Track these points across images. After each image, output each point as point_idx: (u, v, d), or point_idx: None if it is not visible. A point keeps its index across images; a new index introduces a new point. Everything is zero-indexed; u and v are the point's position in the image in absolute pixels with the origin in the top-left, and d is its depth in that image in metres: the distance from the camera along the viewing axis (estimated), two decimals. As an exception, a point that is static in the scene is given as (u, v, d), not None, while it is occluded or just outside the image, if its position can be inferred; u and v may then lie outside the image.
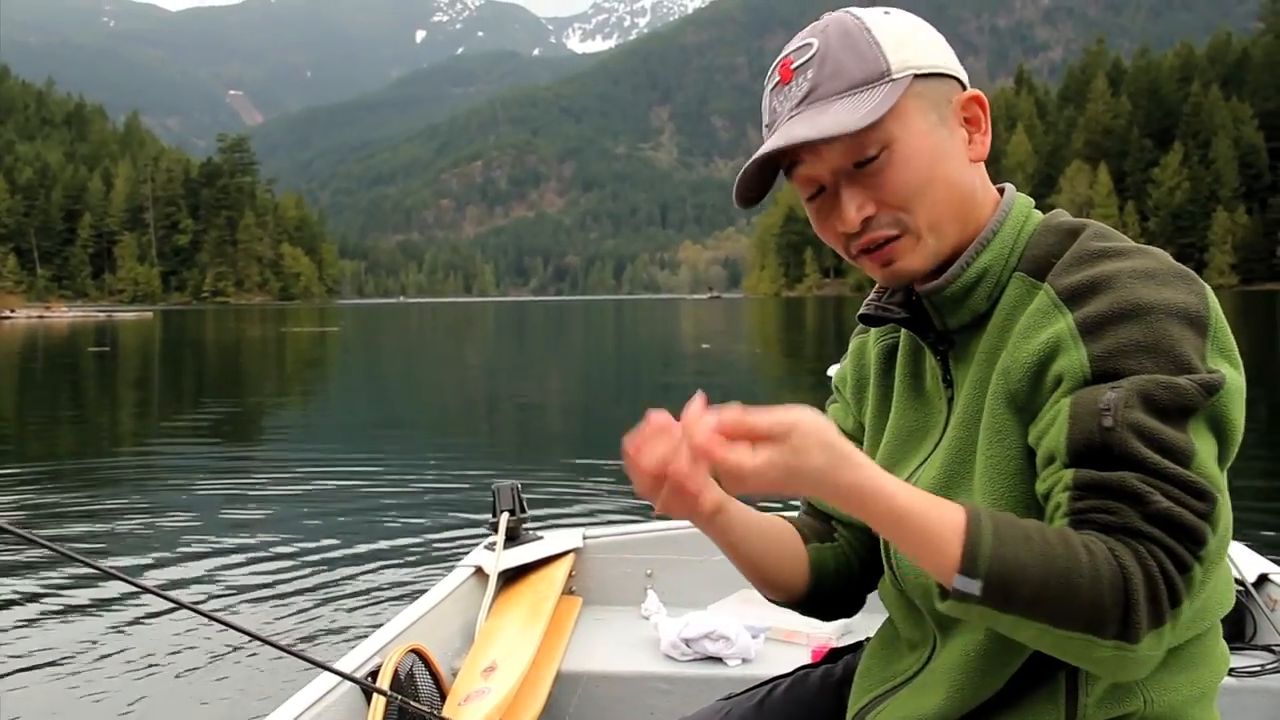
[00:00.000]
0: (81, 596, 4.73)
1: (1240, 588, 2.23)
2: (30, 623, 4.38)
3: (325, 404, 15.09)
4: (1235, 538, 2.54)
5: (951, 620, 1.08)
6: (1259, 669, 2.09)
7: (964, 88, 1.12)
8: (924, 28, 1.11)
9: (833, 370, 1.41)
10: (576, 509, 6.35)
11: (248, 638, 3.98)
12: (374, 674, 1.85)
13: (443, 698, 2.02)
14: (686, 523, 2.56)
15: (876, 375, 1.27)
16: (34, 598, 4.73)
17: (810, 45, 1.09)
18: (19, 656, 3.98)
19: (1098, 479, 0.94)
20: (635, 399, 14.80)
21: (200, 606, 1.40)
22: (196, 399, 15.62)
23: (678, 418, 0.92)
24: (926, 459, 1.16)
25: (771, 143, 1.08)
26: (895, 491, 0.93)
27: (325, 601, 4.64)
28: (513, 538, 2.59)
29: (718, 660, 2.27)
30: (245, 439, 10.89)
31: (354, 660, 1.87)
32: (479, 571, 2.48)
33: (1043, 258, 1.07)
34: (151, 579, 4.98)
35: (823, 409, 1.25)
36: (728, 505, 1.14)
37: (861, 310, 1.21)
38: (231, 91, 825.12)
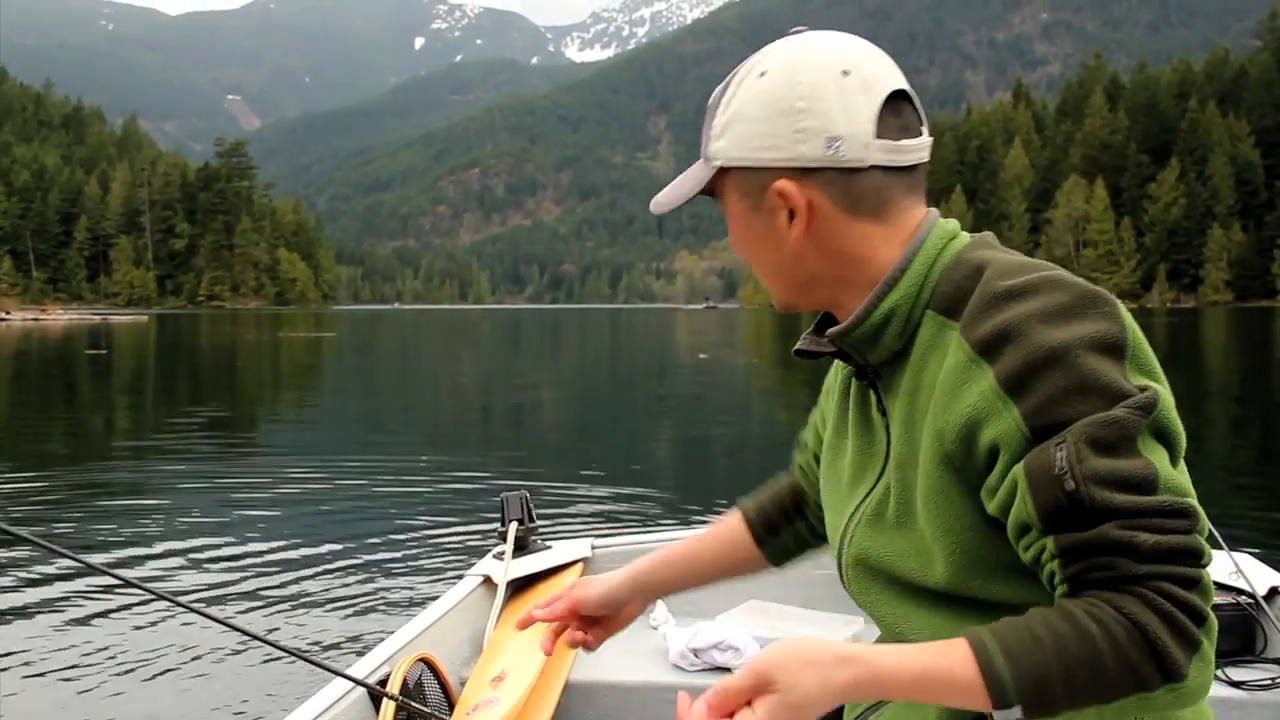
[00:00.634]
0: (92, 602, 4.74)
1: (1250, 600, 2.23)
2: (44, 629, 4.39)
3: (329, 411, 15.08)
4: (1244, 549, 2.44)
5: (925, 630, 1.09)
6: (1270, 682, 2.08)
7: (800, 172, 1.10)
8: (777, 103, 1.10)
9: None
10: (585, 518, 6.36)
11: (260, 644, 4.00)
12: (382, 682, 1.86)
13: (451, 707, 2.01)
14: (695, 532, 2.63)
15: (838, 397, 1.29)
16: (50, 604, 4.74)
17: (716, 94, 1.15)
18: (34, 662, 3.98)
19: (1080, 540, 0.94)
20: (637, 409, 14.83)
21: (209, 611, 1.40)
22: (201, 404, 15.61)
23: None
24: (872, 489, 1.18)
25: (655, 207, 1.19)
26: (899, 663, 0.94)
27: (333, 610, 4.65)
28: (521, 547, 2.59)
29: (726, 671, 2.23)
30: (252, 445, 10.88)
31: (363, 669, 1.88)
32: (487, 580, 2.48)
33: (953, 295, 1.07)
34: (161, 585, 4.98)
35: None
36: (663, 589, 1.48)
37: (797, 346, 1.24)
38: (229, 96, 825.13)
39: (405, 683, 1.84)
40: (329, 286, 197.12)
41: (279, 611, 4.63)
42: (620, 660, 2.34)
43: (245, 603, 4.75)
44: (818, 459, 1.38)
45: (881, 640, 1.21)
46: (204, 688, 3.75)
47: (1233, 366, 21.88)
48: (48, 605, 4.71)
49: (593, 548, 2.70)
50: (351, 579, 5.12)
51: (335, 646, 4.18)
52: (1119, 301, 1.03)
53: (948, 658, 0.93)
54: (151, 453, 9.93)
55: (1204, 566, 0.93)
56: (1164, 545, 0.92)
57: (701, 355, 27.74)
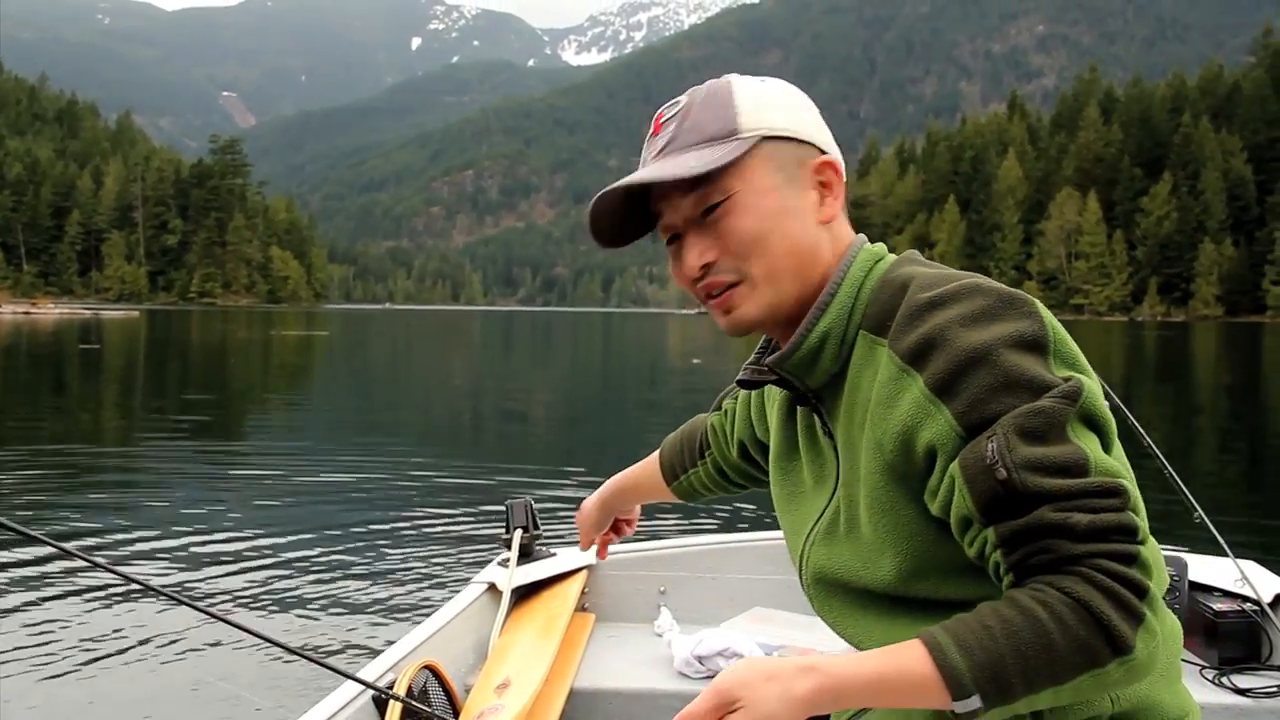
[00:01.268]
0: (98, 602, 4.74)
1: (1256, 608, 2.22)
2: (51, 629, 4.38)
3: (328, 413, 15.04)
4: (1249, 557, 2.45)
5: (884, 640, 1.08)
6: (1276, 689, 2.07)
7: (823, 153, 1.17)
8: (792, 95, 1.18)
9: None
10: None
11: (263, 648, 4.01)
12: (388, 689, 1.86)
13: (456, 714, 2.01)
14: (700, 539, 2.76)
15: (781, 421, 1.32)
16: (55, 602, 4.74)
17: (679, 103, 1.18)
18: (41, 662, 3.98)
19: (1018, 527, 0.97)
20: (636, 415, 14.83)
21: (213, 610, 1.41)
22: (199, 403, 15.55)
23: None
24: (825, 508, 1.21)
25: (619, 182, 1.14)
26: (857, 669, 0.96)
27: (338, 616, 4.64)
28: (526, 554, 2.59)
29: None
30: (253, 448, 10.82)
31: (368, 676, 1.88)
32: (492, 588, 2.48)
33: (880, 314, 1.10)
34: (164, 586, 4.97)
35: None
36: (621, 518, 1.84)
37: (739, 376, 1.27)
38: (225, 93, 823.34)
39: (410, 689, 1.85)
40: (321, 285, 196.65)
41: (282, 617, 4.61)
42: (625, 668, 2.35)
43: (248, 607, 4.74)
44: (732, 431, 1.55)
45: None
46: (209, 687, 3.76)
47: (1224, 382, 21.97)
48: (55, 605, 4.71)
49: (597, 555, 2.83)
50: (356, 585, 5.11)
51: (339, 653, 4.17)
52: (1038, 302, 1.06)
53: (904, 657, 0.95)
54: (156, 453, 9.89)
55: (1141, 543, 0.96)
56: (1099, 523, 0.95)
57: (695, 361, 27.77)
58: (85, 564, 5.36)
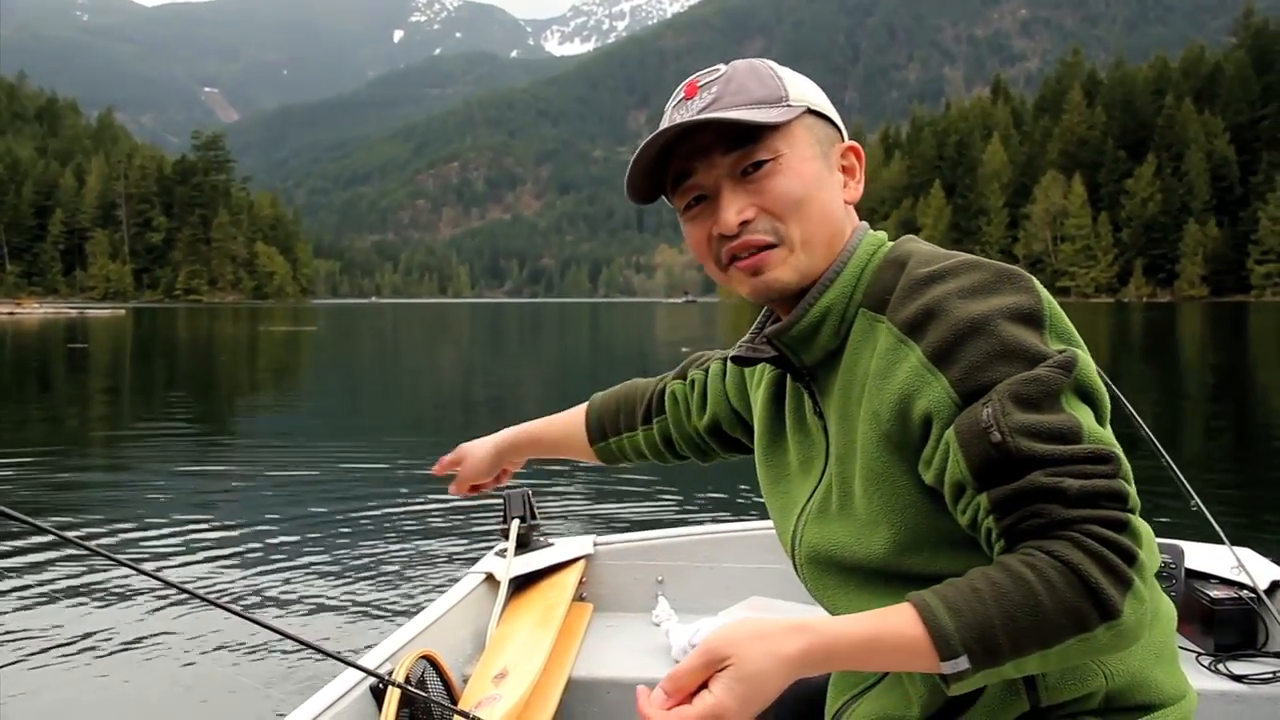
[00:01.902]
0: (100, 590, 4.75)
1: (1252, 594, 2.24)
2: (51, 617, 4.39)
3: (322, 406, 14.99)
4: (1246, 543, 2.46)
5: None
6: (1271, 676, 2.09)
7: (844, 140, 1.22)
8: (812, 89, 1.22)
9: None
10: (586, 515, 6.37)
11: (262, 636, 4.02)
12: (386, 676, 1.82)
13: (454, 704, 2.01)
14: (698, 528, 2.73)
15: (768, 403, 1.34)
16: (57, 592, 4.74)
17: (718, 69, 1.20)
18: (41, 650, 3.98)
19: (1010, 491, 0.98)
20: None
21: (212, 598, 1.36)
22: (190, 399, 15.51)
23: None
24: (815, 488, 1.23)
25: (680, 121, 1.14)
26: (847, 629, 0.97)
27: (335, 606, 4.63)
28: (523, 544, 2.59)
29: None
30: (251, 441, 10.77)
31: (365, 665, 1.86)
32: (490, 578, 2.48)
33: (880, 292, 1.13)
34: (164, 575, 4.96)
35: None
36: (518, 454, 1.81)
37: (733, 353, 1.30)
38: (206, 89, 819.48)
39: (408, 679, 1.86)
40: (307, 280, 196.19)
41: (279, 607, 4.61)
42: (623, 657, 2.35)
43: (246, 597, 4.74)
44: (704, 402, 1.56)
45: None
46: (208, 674, 3.77)
47: (1211, 361, 22.07)
48: (53, 594, 4.71)
49: (595, 545, 2.69)
50: (353, 576, 5.10)
51: (337, 643, 4.16)
52: (1034, 278, 1.09)
53: (894, 619, 0.97)
54: (152, 449, 9.84)
55: (1131, 511, 0.97)
56: (1089, 489, 0.96)
57: (684, 349, 27.78)
58: (83, 553, 5.41)
